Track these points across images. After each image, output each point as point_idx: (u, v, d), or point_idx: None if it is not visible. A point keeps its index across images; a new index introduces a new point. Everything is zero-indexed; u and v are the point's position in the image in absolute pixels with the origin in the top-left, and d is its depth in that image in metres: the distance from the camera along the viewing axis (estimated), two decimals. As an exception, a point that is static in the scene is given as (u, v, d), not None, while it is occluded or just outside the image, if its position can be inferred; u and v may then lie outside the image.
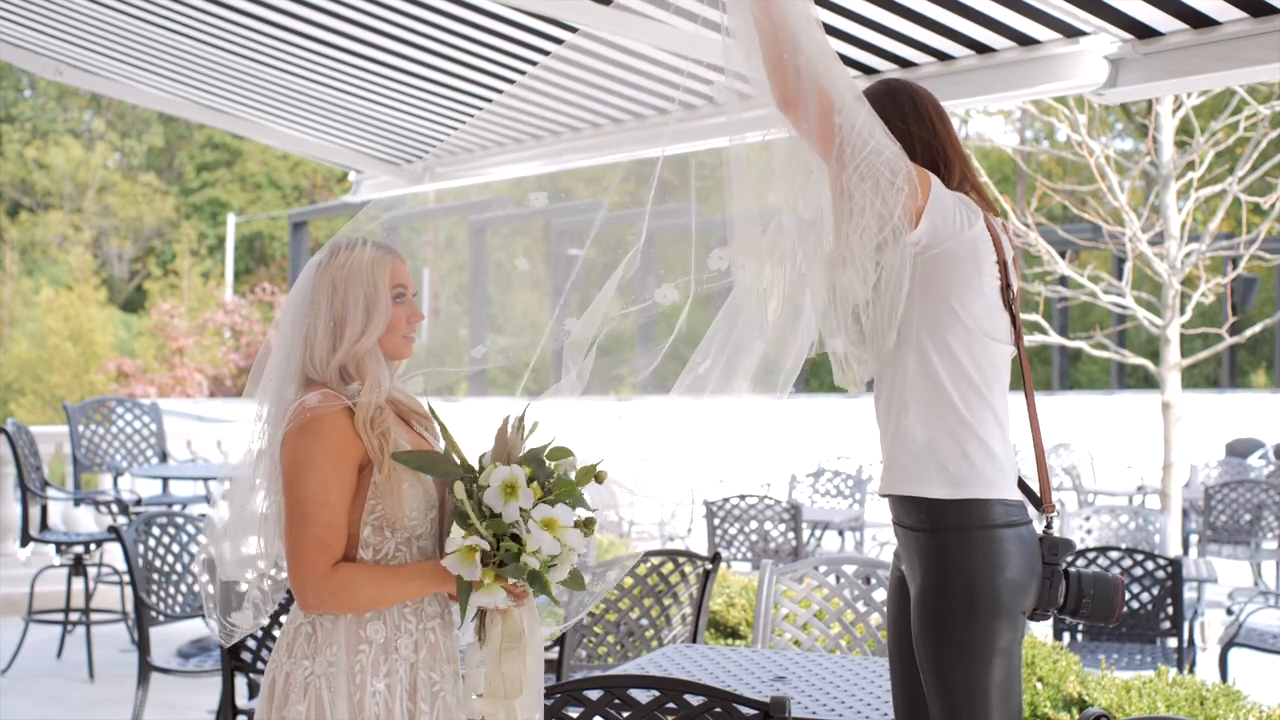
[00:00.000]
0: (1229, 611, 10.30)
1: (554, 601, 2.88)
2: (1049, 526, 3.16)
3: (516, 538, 2.76)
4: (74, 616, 8.71)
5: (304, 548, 2.83)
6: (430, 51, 6.13)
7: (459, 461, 2.87)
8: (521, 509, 2.75)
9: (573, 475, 2.88)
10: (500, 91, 6.53)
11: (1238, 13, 4.12)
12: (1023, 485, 3.15)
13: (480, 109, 6.86)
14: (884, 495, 3.18)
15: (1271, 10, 4.06)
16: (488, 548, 2.75)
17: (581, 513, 2.86)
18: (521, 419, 2.87)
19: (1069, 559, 3.17)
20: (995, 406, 3.10)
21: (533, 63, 6.02)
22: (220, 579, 3.09)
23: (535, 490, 2.77)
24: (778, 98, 2.98)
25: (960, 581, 3.01)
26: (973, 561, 3.00)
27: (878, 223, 2.95)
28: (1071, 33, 4.57)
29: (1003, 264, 3.15)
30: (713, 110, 3.15)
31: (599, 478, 2.91)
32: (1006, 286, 3.15)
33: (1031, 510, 3.16)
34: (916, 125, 3.18)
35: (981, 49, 4.87)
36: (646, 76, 5.67)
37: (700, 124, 2.89)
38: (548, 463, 2.84)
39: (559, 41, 5.69)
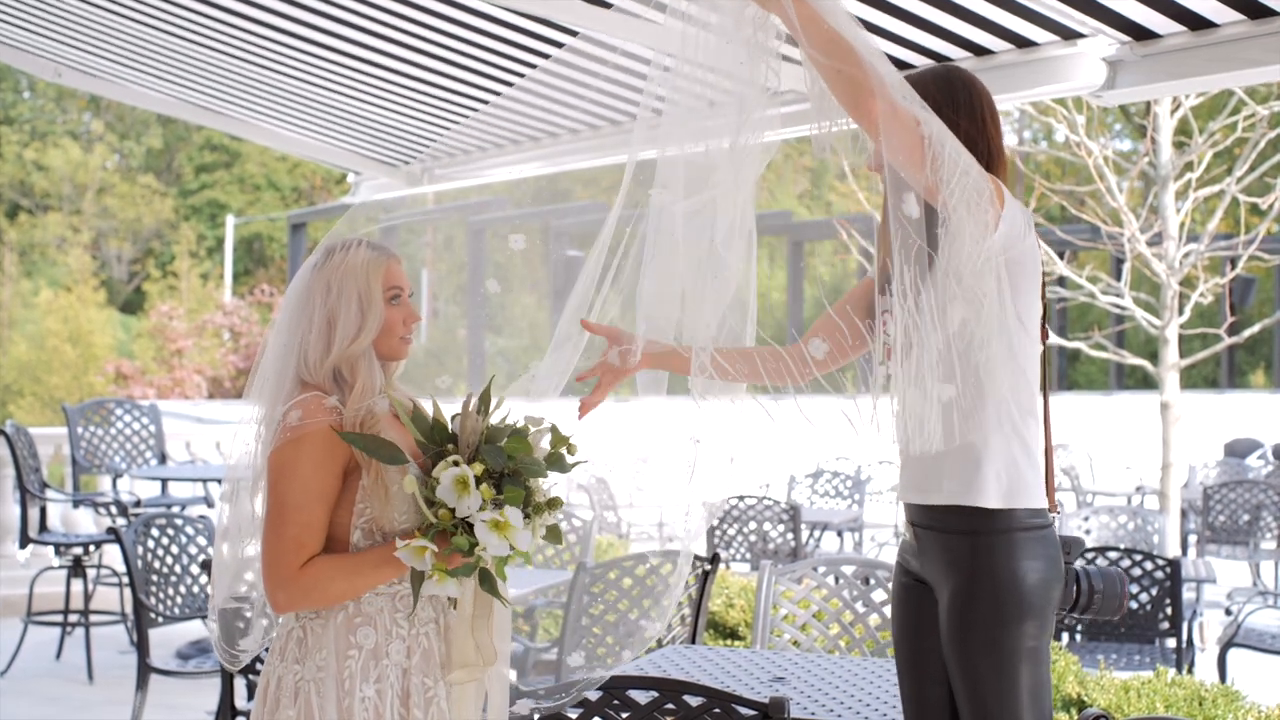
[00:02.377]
0: (1228, 612, 10.30)
1: (502, 600, 2.89)
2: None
3: (471, 527, 2.76)
4: (73, 618, 8.71)
5: (279, 547, 2.82)
6: (428, 54, 6.14)
7: (433, 428, 2.86)
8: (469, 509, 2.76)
9: (545, 444, 2.89)
10: (497, 93, 6.53)
11: (1235, 14, 4.13)
12: None
13: (478, 110, 6.86)
14: (932, 505, 3.12)
15: (1269, 12, 4.07)
16: (435, 548, 2.75)
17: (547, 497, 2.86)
18: (484, 398, 2.86)
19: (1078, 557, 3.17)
20: (1037, 411, 3.09)
21: (530, 64, 6.03)
22: (220, 606, 3.08)
23: (485, 492, 2.76)
24: (850, 107, 2.84)
25: (992, 583, 2.99)
26: (1003, 563, 2.99)
27: (973, 245, 2.87)
28: (1069, 35, 4.57)
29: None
30: (712, 112, 3.11)
31: (570, 450, 2.90)
32: (1043, 286, 3.14)
33: None
34: (966, 119, 3.09)
35: (979, 51, 4.87)
36: (644, 79, 5.67)
37: (705, 124, 2.89)
38: (505, 453, 2.82)
39: (556, 44, 5.70)
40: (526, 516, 2.80)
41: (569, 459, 2.91)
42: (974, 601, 3.01)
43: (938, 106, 3.06)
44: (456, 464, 2.77)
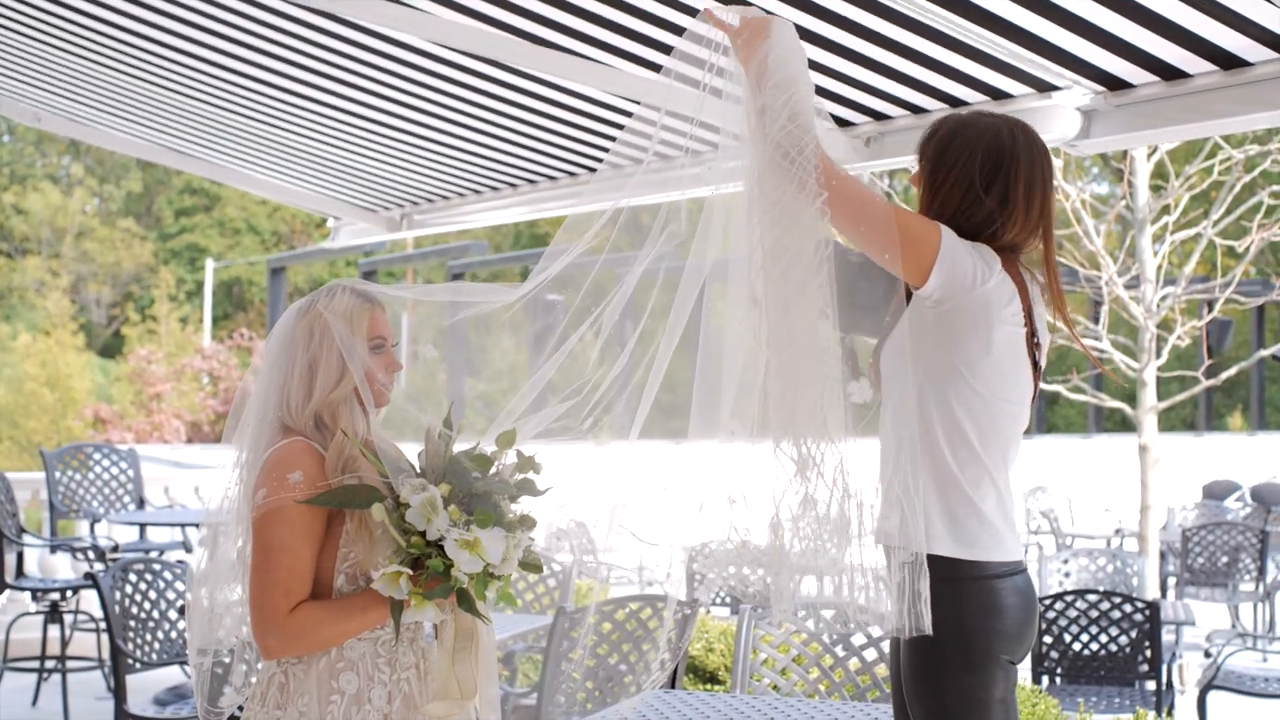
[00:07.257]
0: (1207, 654, 10.32)
1: (483, 619, 2.88)
2: None
3: (444, 549, 2.77)
4: (50, 664, 8.65)
5: (268, 593, 2.81)
6: (404, 105, 6.17)
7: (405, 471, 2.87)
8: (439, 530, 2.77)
9: (512, 462, 2.88)
10: (475, 141, 6.56)
11: (1208, 65, 4.18)
12: None
13: (456, 157, 6.89)
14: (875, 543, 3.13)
15: (1241, 63, 4.12)
16: (410, 572, 2.75)
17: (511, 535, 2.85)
18: (445, 425, 2.87)
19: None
20: (990, 466, 3.00)
21: (509, 114, 6.06)
22: (198, 653, 3.06)
23: (454, 513, 2.76)
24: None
25: (951, 632, 2.94)
26: (965, 612, 2.95)
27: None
28: (1044, 87, 4.61)
29: (1028, 311, 3.05)
30: (691, 160, 3.13)
31: (535, 470, 2.89)
32: (1032, 334, 3.05)
33: None
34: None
35: (955, 103, 4.91)
36: (623, 129, 5.71)
37: (680, 173, 2.91)
38: (472, 473, 2.83)
39: (534, 95, 5.73)
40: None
41: (539, 484, 2.90)
42: (933, 650, 2.97)
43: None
44: (424, 487, 2.78)
